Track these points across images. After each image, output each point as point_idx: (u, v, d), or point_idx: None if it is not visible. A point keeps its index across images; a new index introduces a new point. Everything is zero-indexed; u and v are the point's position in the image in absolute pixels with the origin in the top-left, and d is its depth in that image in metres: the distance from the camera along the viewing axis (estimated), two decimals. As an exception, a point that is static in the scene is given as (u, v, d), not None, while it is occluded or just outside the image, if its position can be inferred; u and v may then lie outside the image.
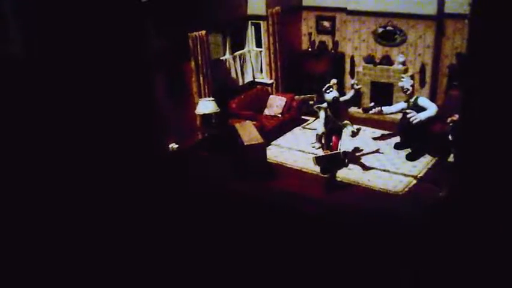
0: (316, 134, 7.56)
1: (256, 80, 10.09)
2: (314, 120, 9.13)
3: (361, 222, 5.96)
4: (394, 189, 6.85)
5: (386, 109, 8.07)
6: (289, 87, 10.10)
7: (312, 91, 9.79)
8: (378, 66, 9.47)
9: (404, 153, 7.92)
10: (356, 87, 7.35)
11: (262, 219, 6.15)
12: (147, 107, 7.06)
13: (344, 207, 6.44)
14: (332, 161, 6.79)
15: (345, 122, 7.16)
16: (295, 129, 9.29)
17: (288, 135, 9.04)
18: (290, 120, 9.19)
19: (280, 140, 8.79)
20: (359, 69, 9.84)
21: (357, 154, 8.00)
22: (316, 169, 7.22)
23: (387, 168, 7.47)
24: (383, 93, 9.51)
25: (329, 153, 6.73)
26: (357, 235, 5.66)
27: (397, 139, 8.32)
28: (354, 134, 7.02)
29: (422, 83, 9.31)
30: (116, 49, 3.91)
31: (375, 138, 8.61)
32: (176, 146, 7.97)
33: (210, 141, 8.08)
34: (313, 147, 7.84)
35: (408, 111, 7.47)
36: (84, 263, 3.84)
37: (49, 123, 3.56)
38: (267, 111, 9.20)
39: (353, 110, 9.71)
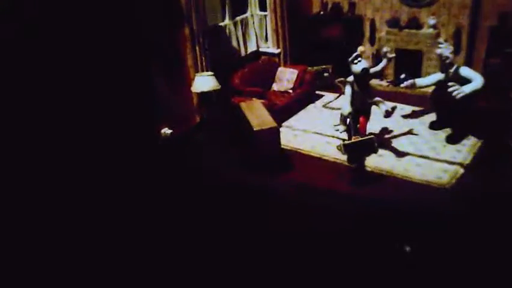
0: (341, 115, 6.30)
1: (260, 49, 8.80)
2: (337, 97, 7.82)
3: (402, 222, 4.85)
4: (438, 180, 5.69)
5: (419, 81, 6.84)
6: (299, 57, 8.83)
7: (326, 61, 8.61)
8: (405, 30, 8.20)
9: (442, 134, 6.76)
10: (390, 55, 6.08)
11: (283, 221, 5.05)
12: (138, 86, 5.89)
13: (379, 204, 5.29)
14: (361, 148, 5.60)
15: (376, 99, 5.94)
16: (309, 106, 8.06)
17: (302, 114, 7.82)
18: (303, 97, 7.94)
19: (293, 121, 7.58)
20: (380, 34, 8.56)
21: (387, 136, 6.82)
22: (341, 157, 6.05)
23: (425, 153, 6.30)
24: (409, 62, 8.27)
25: (360, 138, 5.53)
26: (398, 237, 4.60)
27: (432, 117, 7.14)
28: (388, 114, 5.82)
29: (457, 50, 8.04)
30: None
31: (405, 116, 7.41)
32: (170, 131, 6.74)
33: (210, 125, 6.84)
34: (337, 130, 6.59)
35: (450, 84, 6.24)
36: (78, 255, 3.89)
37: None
38: (275, 86, 7.95)
39: (374, 82, 8.47)
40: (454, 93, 6.14)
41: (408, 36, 8.16)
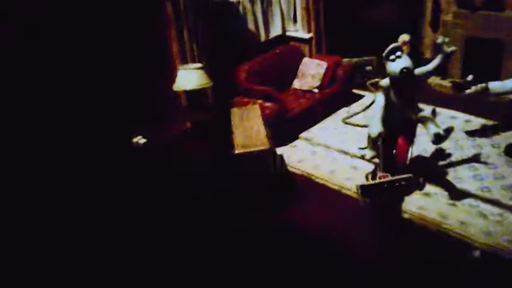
0: (368, 136, 4.34)
1: (287, 33, 6.98)
2: (366, 108, 5.85)
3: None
4: (509, 245, 3.71)
5: (495, 86, 4.78)
6: (337, 45, 6.92)
7: (370, 52, 6.65)
8: (480, 12, 6.03)
9: (525, 164, 4.72)
10: (448, 49, 4.08)
11: None
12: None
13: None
14: (388, 191, 3.74)
15: (425, 114, 4.00)
16: (340, 111, 6.17)
17: (329, 122, 5.96)
18: (333, 98, 6.07)
19: (316, 131, 5.75)
20: (446, 17, 6.43)
21: (440, 164, 4.85)
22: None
23: (496, 196, 4.28)
24: (484, 57, 6.14)
25: (388, 178, 3.65)
26: None
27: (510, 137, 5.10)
28: (438, 139, 3.86)
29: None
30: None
31: (469, 133, 5.35)
32: (144, 140, 5.18)
33: (198, 135, 5.19)
34: (362, 156, 4.60)
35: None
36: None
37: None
38: (296, 83, 6.13)
39: (433, 80, 6.44)
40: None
41: (485, 20, 5.99)
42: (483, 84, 4.71)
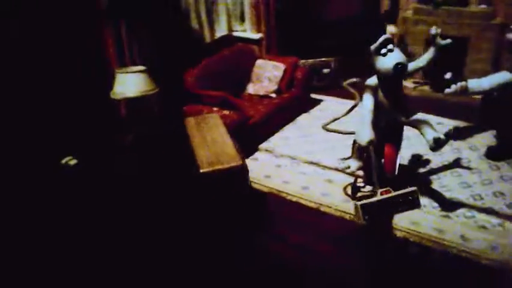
0: (354, 144, 3.79)
1: (234, 33, 6.40)
2: (348, 111, 5.20)
3: None
4: (521, 261, 3.35)
5: (474, 84, 4.46)
6: (290, 46, 6.45)
7: (328, 52, 6.24)
8: (443, 7, 5.81)
9: (506, 167, 4.45)
10: (442, 42, 3.67)
11: None
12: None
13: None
14: (393, 207, 3.23)
15: (417, 118, 3.56)
16: (300, 118, 5.68)
17: (290, 130, 5.44)
18: (292, 104, 5.55)
19: (276, 141, 5.20)
20: (406, 13, 6.17)
21: (422, 171, 4.47)
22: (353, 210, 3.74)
23: (490, 205, 3.94)
24: (450, 55, 5.90)
25: (390, 195, 3.13)
26: None
27: (488, 138, 4.84)
28: (438, 144, 3.41)
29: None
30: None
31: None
32: (75, 161, 4.33)
33: (142, 151, 4.42)
34: (346, 168, 4.00)
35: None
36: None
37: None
38: (251, 88, 5.54)
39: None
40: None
41: (449, 16, 5.77)
42: (463, 83, 4.39)
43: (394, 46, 3.35)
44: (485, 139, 4.95)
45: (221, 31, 6.27)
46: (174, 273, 3.32)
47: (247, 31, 6.46)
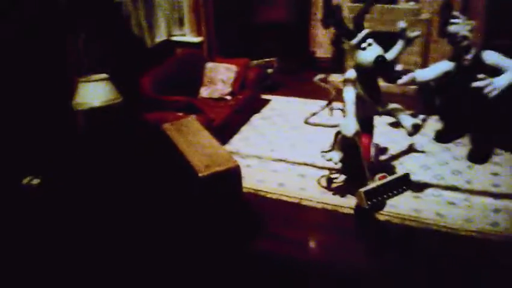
0: (337, 136, 3.94)
1: (172, 38, 6.34)
2: (327, 105, 5.30)
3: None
4: (494, 228, 3.74)
5: (420, 74, 4.89)
6: (230, 48, 6.52)
7: (268, 53, 6.41)
8: (376, 6, 6.25)
9: (456, 148, 4.92)
10: (412, 34, 3.97)
11: None
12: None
13: None
14: (388, 192, 3.47)
15: (394, 106, 3.83)
16: (253, 118, 5.79)
17: (247, 130, 5.52)
18: (247, 104, 5.64)
19: (237, 143, 5.25)
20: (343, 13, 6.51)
21: (384, 158, 4.79)
22: (337, 200, 3.93)
23: (451, 182, 4.34)
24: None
25: (387, 179, 3.35)
26: None
27: (432, 124, 5.31)
28: (416, 130, 3.72)
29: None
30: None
31: (393, 125, 5.41)
32: (37, 180, 4.05)
33: (106, 164, 4.24)
34: (329, 160, 4.16)
35: (481, 76, 4.33)
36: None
37: None
38: (204, 91, 5.54)
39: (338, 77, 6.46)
40: (487, 90, 4.26)
41: (380, 13, 6.22)
42: (412, 74, 4.79)
43: (373, 41, 3.58)
44: (431, 124, 5.40)
45: (161, 36, 6.17)
46: (171, 276, 3.25)
47: (187, 35, 6.43)
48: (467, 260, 3.40)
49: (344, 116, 3.69)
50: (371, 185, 3.32)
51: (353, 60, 3.77)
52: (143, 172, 3.88)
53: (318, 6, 6.80)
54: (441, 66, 4.83)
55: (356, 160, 3.83)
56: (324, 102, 5.97)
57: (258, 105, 6.00)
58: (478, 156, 4.69)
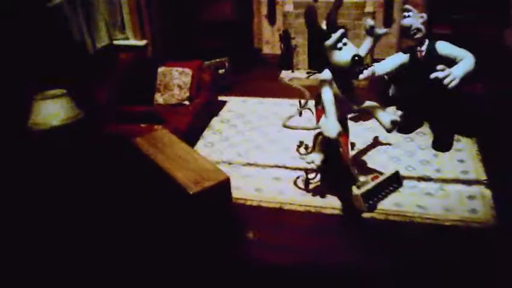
0: (317, 139, 3.87)
1: (115, 42, 6.01)
2: (303, 105, 5.00)
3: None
4: (473, 215, 3.89)
5: (379, 68, 4.96)
6: (176, 50, 6.30)
7: (218, 53, 6.26)
8: (321, 1, 6.27)
9: (418, 137, 5.07)
10: (380, 31, 3.97)
11: None
12: None
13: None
14: (384, 188, 3.50)
15: (370, 104, 3.83)
16: (213, 122, 5.62)
17: (210, 136, 5.34)
18: (205, 108, 5.46)
19: (202, 149, 5.06)
20: (286, 8, 6.49)
21: (353, 154, 4.82)
22: (318, 201, 3.92)
23: (423, 173, 4.46)
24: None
25: (380, 179, 3.36)
26: None
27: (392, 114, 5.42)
28: (395, 125, 3.77)
29: (388, 23, 6.50)
30: None
31: (354, 119, 5.47)
32: None
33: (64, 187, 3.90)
34: (311, 163, 4.04)
35: (439, 67, 4.47)
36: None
37: None
38: (160, 98, 5.28)
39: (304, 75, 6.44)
40: (446, 81, 4.41)
41: (327, 8, 6.23)
42: (372, 68, 4.85)
43: (348, 40, 3.56)
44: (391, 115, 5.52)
45: (102, 41, 5.83)
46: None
47: (130, 39, 6.11)
48: (458, 250, 3.50)
49: (325, 117, 3.64)
50: (366, 187, 3.31)
51: (326, 59, 3.72)
52: (123, 196, 3.61)
53: (262, 3, 6.71)
54: (397, 59, 4.94)
55: (337, 160, 3.82)
56: (279, 100, 5.95)
57: (216, 107, 5.82)
58: (441, 144, 4.85)
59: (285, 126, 3.91)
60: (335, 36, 3.48)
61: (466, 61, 4.52)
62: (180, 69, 5.34)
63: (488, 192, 4.15)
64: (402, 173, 4.43)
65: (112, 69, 5.16)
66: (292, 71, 6.59)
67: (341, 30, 3.52)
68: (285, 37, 6.47)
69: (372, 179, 3.38)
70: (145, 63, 5.48)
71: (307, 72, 6.45)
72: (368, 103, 3.83)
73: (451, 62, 4.59)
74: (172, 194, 3.16)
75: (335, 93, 3.71)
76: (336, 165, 3.81)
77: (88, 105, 4.24)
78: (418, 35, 4.68)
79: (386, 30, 3.94)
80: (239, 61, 6.53)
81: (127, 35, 6.09)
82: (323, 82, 3.68)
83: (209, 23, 6.47)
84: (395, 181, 3.52)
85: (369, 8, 6.30)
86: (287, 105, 5.81)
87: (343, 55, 3.51)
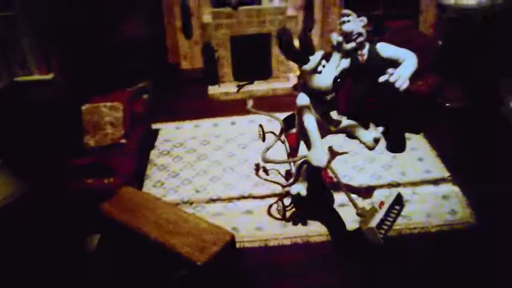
0: (300, 166, 3.57)
1: (19, 80, 5.24)
2: (280, 133, 4.41)
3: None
4: (454, 217, 3.99)
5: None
6: (91, 80, 5.66)
7: (138, 76, 5.77)
8: (241, 8, 5.99)
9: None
10: (348, 46, 3.75)
11: None
12: None
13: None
14: (392, 214, 3.40)
15: (348, 123, 3.69)
16: (154, 156, 5.11)
17: (156, 172, 4.83)
18: (144, 143, 4.96)
19: (152, 189, 4.56)
20: (205, 20, 6.12)
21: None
22: (318, 229, 3.77)
23: (387, 177, 4.48)
24: (254, 52, 6.23)
25: (386, 205, 3.25)
26: None
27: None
28: (377, 142, 3.68)
29: (307, 23, 6.45)
30: None
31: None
32: None
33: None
34: (297, 194, 3.69)
35: (390, 70, 4.47)
36: None
37: None
38: (91, 140, 4.66)
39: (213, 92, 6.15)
40: (397, 84, 4.44)
41: (248, 16, 6.00)
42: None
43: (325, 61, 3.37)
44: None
45: (2, 81, 5.03)
46: None
47: (35, 74, 5.34)
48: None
49: (309, 145, 3.43)
50: (377, 217, 3.16)
51: (302, 81, 3.50)
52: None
53: (174, 15, 6.26)
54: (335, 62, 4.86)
55: (319, 185, 3.65)
56: (217, 120, 5.62)
57: (149, 139, 5.31)
58: (396, 145, 4.90)
59: (265, 161, 3.63)
60: (314, 59, 3.28)
61: (409, 61, 4.55)
62: (109, 104, 4.76)
63: (457, 189, 4.28)
64: (369, 182, 4.41)
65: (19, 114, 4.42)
66: (219, 86, 6.27)
67: (321, 52, 3.32)
68: (207, 50, 6.12)
69: (379, 206, 3.26)
70: (63, 103, 4.79)
71: (238, 86, 6.17)
72: (346, 123, 3.70)
73: (393, 62, 4.62)
74: (175, 269, 2.73)
75: (315, 117, 3.50)
76: (316, 190, 3.65)
77: (28, 171, 3.56)
78: (360, 39, 4.63)
79: (354, 45, 3.81)
80: (159, 81, 6.07)
81: (31, 72, 5.31)
82: (302, 108, 3.44)
83: (120, 43, 5.89)
84: (398, 204, 3.43)
85: (291, 12, 6.16)
86: (227, 125, 5.50)
87: (323, 79, 3.32)
